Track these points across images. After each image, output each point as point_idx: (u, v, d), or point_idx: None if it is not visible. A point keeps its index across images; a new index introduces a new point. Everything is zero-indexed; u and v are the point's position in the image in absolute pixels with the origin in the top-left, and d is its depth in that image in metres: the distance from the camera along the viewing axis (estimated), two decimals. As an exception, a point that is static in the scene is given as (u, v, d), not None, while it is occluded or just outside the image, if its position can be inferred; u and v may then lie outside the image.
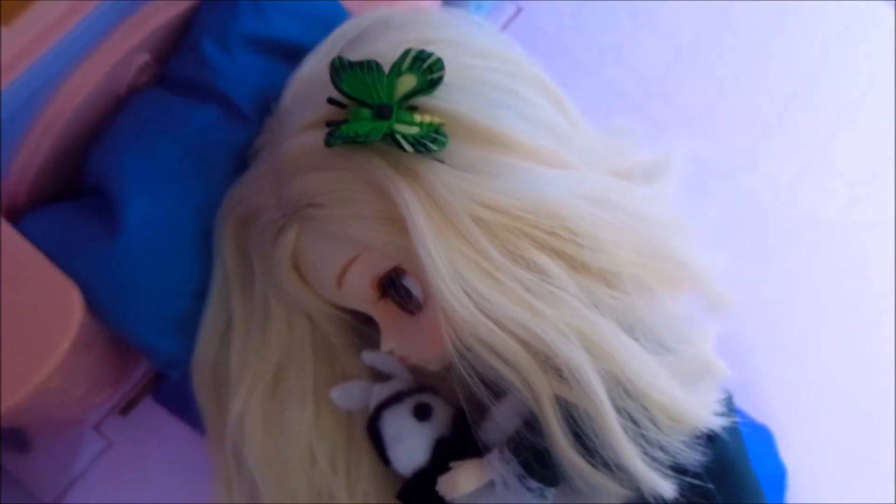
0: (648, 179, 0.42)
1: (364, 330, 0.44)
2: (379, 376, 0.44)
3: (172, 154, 0.43)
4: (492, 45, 0.41)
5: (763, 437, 0.51)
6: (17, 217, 0.44)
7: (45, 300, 0.42)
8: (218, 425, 0.46)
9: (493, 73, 0.40)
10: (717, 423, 0.36)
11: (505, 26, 0.73)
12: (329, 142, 0.36)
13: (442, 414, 0.42)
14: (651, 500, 0.35)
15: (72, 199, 0.46)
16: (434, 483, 0.39)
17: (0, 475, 0.56)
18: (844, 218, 0.70)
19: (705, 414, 0.36)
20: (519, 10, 0.73)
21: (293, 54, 0.43)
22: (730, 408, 0.39)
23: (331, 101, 0.38)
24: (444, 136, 0.36)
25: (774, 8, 0.72)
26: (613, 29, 0.72)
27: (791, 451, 0.57)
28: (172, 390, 0.58)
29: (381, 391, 0.43)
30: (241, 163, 0.43)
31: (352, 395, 0.43)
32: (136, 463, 0.63)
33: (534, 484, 0.35)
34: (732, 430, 0.39)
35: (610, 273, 0.36)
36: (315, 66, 0.41)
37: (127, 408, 0.63)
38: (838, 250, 0.69)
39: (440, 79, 0.37)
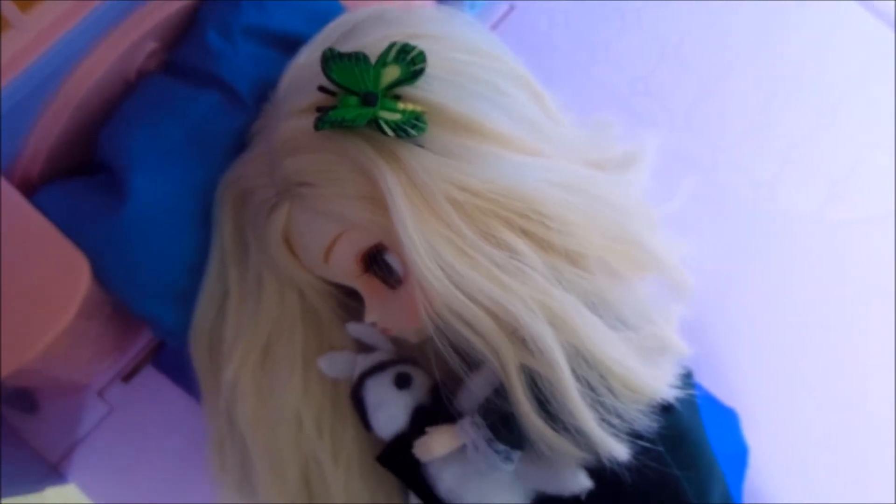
0: (621, 169, 0.44)
1: (350, 304, 0.46)
2: (364, 348, 0.47)
3: (176, 134, 0.45)
4: (477, 41, 0.43)
5: (727, 416, 0.54)
6: (30, 192, 0.46)
7: (54, 268, 0.44)
8: (212, 391, 0.48)
9: (476, 68, 0.42)
10: (671, 394, 0.39)
11: (497, 24, 0.75)
12: (318, 125, 0.38)
13: (421, 383, 0.44)
14: (607, 463, 0.37)
15: (82, 175, 0.48)
16: (411, 447, 0.42)
17: (3, 435, 0.58)
18: (821, 214, 0.73)
19: (661, 386, 0.38)
20: (512, 9, 0.75)
21: (291, 45, 0.46)
22: (687, 383, 0.41)
23: (321, 88, 0.40)
24: (424, 122, 0.38)
25: (758, 9, 0.74)
26: (602, 27, 0.74)
27: (758, 435, 0.59)
28: (172, 358, 0.61)
29: (364, 361, 0.45)
30: (240, 144, 0.46)
31: (338, 364, 0.46)
32: (137, 428, 0.65)
33: (501, 447, 0.38)
34: (689, 404, 0.42)
35: (576, 254, 0.38)
36: (309, 56, 0.44)
37: (129, 375, 0.65)
38: (814, 244, 0.71)
39: (422, 70, 0.39)
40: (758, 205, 0.70)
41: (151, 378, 0.62)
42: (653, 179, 0.47)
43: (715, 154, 0.71)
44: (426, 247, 0.37)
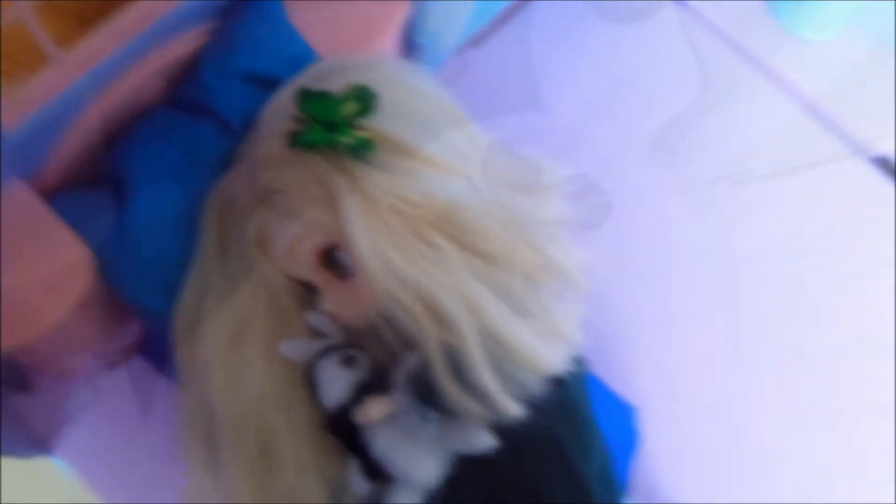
0: (534, 192, 0.53)
1: (310, 298, 0.54)
2: (319, 335, 0.55)
3: (174, 155, 0.54)
4: (422, 86, 0.53)
5: (622, 407, 0.63)
6: (48, 198, 0.54)
7: (61, 258, 0.52)
8: (188, 370, 0.54)
9: (419, 106, 0.51)
10: (563, 369, 0.48)
11: (455, 75, 0.85)
12: (290, 143, 0.48)
13: (364, 363, 0.52)
14: (505, 421, 0.46)
15: (93, 186, 0.56)
16: (353, 416, 0.50)
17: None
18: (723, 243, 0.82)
19: (553, 361, 0.48)
20: (464, 66, 0.86)
21: (272, 84, 0.54)
22: (579, 367, 0.51)
23: (296, 118, 0.49)
24: (373, 146, 0.48)
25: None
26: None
27: (655, 433, 0.66)
28: (156, 348, 0.62)
29: (318, 346, 0.54)
30: (227, 164, 0.54)
31: (296, 348, 0.54)
32: (120, 413, 0.68)
33: (422, 408, 0.46)
34: (580, 385, 0.51)
35: (490, 255, 0.48)
36: (286, 93, 0.53)
37: (116, 362, 0.70)
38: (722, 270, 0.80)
39: (374, 106, 0.49)
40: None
41: (138, 367, 0.67)
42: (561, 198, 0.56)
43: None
44: (371, 245, 0.46)
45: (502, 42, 0.90)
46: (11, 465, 0.61)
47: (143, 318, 0.60)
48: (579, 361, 0.51)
